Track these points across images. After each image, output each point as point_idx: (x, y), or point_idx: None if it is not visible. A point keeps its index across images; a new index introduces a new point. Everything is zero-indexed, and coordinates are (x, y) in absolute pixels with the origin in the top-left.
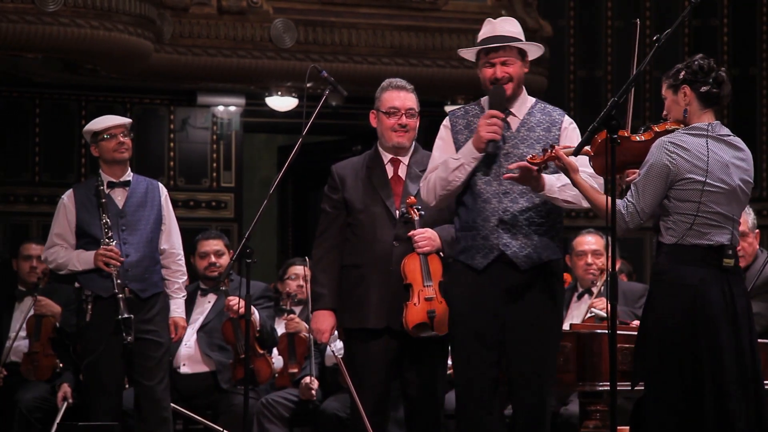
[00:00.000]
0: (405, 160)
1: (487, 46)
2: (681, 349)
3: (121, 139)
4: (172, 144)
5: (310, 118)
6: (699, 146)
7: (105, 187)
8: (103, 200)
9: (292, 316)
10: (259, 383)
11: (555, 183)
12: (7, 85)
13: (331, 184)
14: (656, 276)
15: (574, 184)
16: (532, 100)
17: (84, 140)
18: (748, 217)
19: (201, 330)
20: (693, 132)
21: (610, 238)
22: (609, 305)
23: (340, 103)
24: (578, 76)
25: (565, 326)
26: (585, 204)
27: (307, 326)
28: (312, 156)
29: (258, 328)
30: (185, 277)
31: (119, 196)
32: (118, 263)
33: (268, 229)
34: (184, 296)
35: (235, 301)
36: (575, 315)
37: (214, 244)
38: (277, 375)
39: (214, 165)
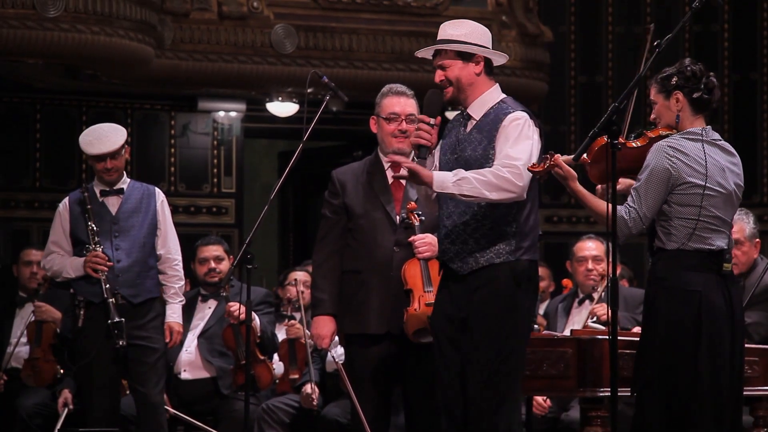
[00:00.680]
0: None
1: (418, 51)
2: (684, 356)
3: (108, 165)
4: (172, 149)
5: (311, 124)
6: (697, 150)
7: (99, 194)
8: (89, 206)
9: (292, 321)
10: (260, 389)
11: (449, 179)
12: (8, 91)
13: (331, 190)
14: (656, 282)
15: (574, 191)
16: (495, 100)
17: None
18: (745, 225)
19: (202, 336)
20: (689, 137)
21: (610, 244)
22: (610, 311)
23: (340, 109)
24: (579, 81)
25: (566, 332)
26: (489, 195)
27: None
28: (312, 161)
29: (259, 334)
30: (182, 282)
31: (113, 203)
32: (106, 268)
33: (268, 234)
34: (181, 301)
35: (236, 307)
36: (576, 321)
37: (214, 250)
38: (277, 381)
39: (215, 170)
